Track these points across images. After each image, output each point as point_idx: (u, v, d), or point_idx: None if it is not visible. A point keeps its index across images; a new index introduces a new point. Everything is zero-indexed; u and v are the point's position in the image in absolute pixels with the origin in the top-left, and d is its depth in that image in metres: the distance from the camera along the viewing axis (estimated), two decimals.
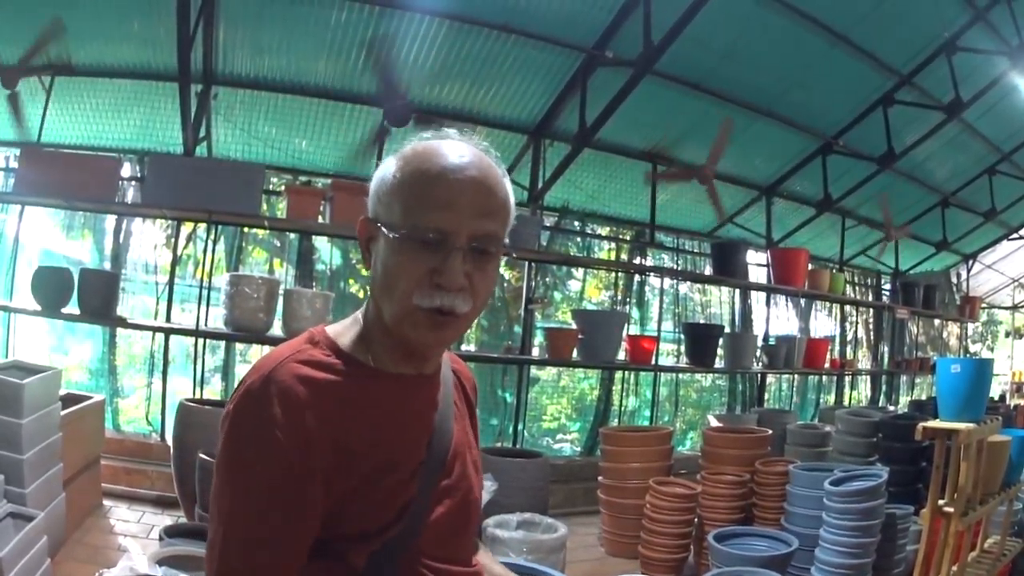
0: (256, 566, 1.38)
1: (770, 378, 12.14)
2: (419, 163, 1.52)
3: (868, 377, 14.91)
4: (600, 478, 7.12)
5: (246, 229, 8.57)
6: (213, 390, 8.35)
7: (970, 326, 17.98)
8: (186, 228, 8.30)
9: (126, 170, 8.15)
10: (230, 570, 1.38)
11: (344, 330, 1.64)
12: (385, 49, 7.45)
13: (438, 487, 1.60)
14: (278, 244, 9.40)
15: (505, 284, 10.29)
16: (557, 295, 11.08)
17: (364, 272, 9.07)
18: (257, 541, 1.40)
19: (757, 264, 11.62)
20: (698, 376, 11.85)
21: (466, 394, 1.86)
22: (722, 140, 8.80)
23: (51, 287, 6.77)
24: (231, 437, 1.44)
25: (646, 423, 10.18)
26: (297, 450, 1.40)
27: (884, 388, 15.11)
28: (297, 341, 1.58)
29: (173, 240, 8.22)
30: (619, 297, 10.80)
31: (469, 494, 1.70)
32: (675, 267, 11.25)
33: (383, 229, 1.51)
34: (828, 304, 13.71)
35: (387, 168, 1.57)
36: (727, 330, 10.81)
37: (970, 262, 16.20)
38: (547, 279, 10.47)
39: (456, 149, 1.54)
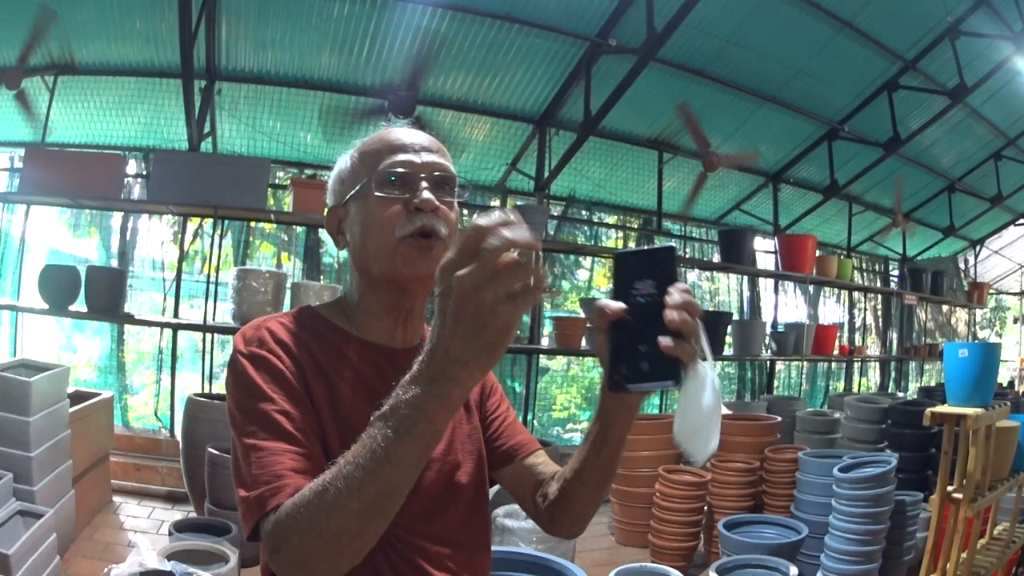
0: (283, 464, 1.39)
1: (779, 365, 12.15)
2: (371, 139, 1.69)
3: (877, 364, 14.89)
4: None
5: (253, 223, 8.60)
6: (222, 385, 8.36)
7: (978, 312, 17.94)
8: (192, 224, 8.31)
9: (131, 167, 8.19)
10: (259, 475, 1.38)
11: (328, 306, 1.74)
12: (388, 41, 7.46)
13: None
14: (285, 238, 9.41)
15: None
16: (565, 284, 11.08)
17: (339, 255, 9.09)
18: (279, 434, 1.43)
19: (765, 251, 11.60)
20: None
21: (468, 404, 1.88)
22: (742, 160, 8.82)
23: (58, 285, 6.79)
24: (236, 371, 1.53)
25: (656, 411, 10.18)
26: (293, 368, 1.52)
27: (893, 374, 15.09)
28: (282, 313, 1.69)
29: (180, 236, 8.25)
30: None
31: (456, 469, 1.72)
32: (683, 255, 11.23)
33: (351, 195, 1.65)
34: (836, 290, 13.70)
35: (342, 160, 1.72)
36: (735, 317, 10.80)
37: (977, 248, 16.18)
38: (555, 268, 10.48)
39: (400, 129, 1.69)
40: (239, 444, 1.45)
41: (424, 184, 1.59)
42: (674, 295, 1.33)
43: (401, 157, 1.61)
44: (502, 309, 1.10)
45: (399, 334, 1.71)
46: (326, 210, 1.74)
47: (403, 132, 1.66)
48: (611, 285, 1.38)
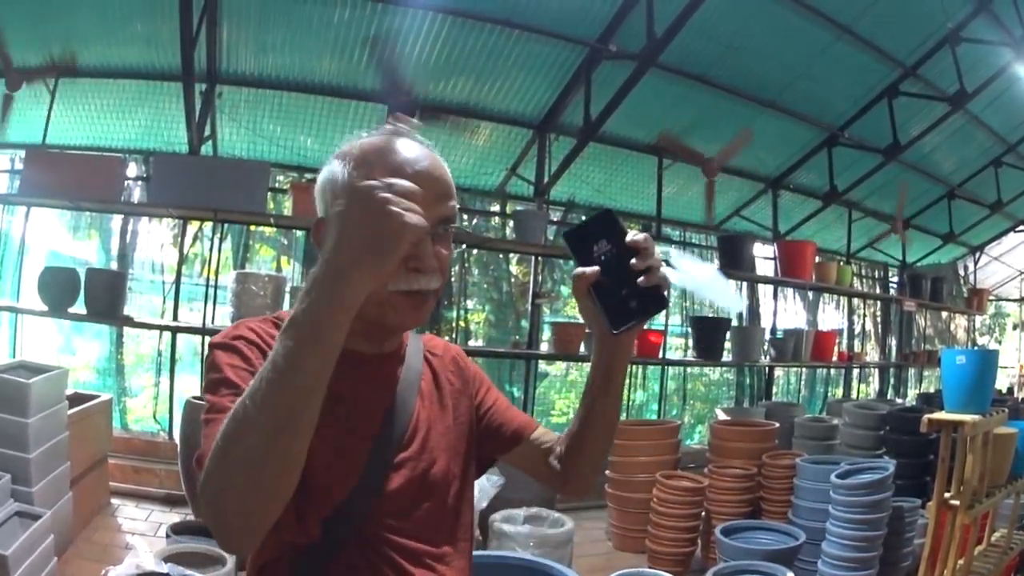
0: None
1: (778, 371, 12.16)
2: (372, 153, 1.56)
3: (876, 370, 14.88)
4: (607, 472, 7.12)
5: (252, 227, 8.61)
6: None
7: (978, 319, 17.93)
8: (192, 227, 8.31)
9: (131, 170, 8.18)
10: (212, 426, 1.36)
11: None
12: (388, 46, 7.46)
13: (393, 460, 1.63)
14: (284, 242, 9.42)
15: (512, 279, 10.30)
16: (564, 289, 11.07)
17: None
18: (233, 393, 1.41)
19: (764, 257, 11.59)
20: (706, 369, 11.87)
21: (447, 370, 1.90)
22: (737, 146, 8.81)
23: (58, 287, 6.79)
24: (208, 361, 1.54)
25: (654, 417, 10.20)
26: (261, 358, 1.50)
27: (892, 381, 15.09)
28: (260, 316, 1.69)
29: (179, 239, 8.25)
30: None
31: (431, 467, 1.70)
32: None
33: None
34: (835, 297, 13.69)
35: (336, 167, 1.61)
36: (734, 323, 10.80)
37: (977, 254, 16.16)
38: (554, 273, 10.48)
39: (402, 145, 1.58)
40: (205, 412, 1.45)
41: (428, 238, 1.51)
42: (633, 239, 1.53)
43: (399, 182, 1.44)
44: (394, 212, 1.17)
45: (375, 344, 1.70)
46: (317, 218, 1.63)
47: (411, 168, 1.52)
48: (575, 260, 1.55)
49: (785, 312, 12.52)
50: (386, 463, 1.59)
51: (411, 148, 1.58)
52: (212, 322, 7.36)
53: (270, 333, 1.57)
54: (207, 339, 7.50)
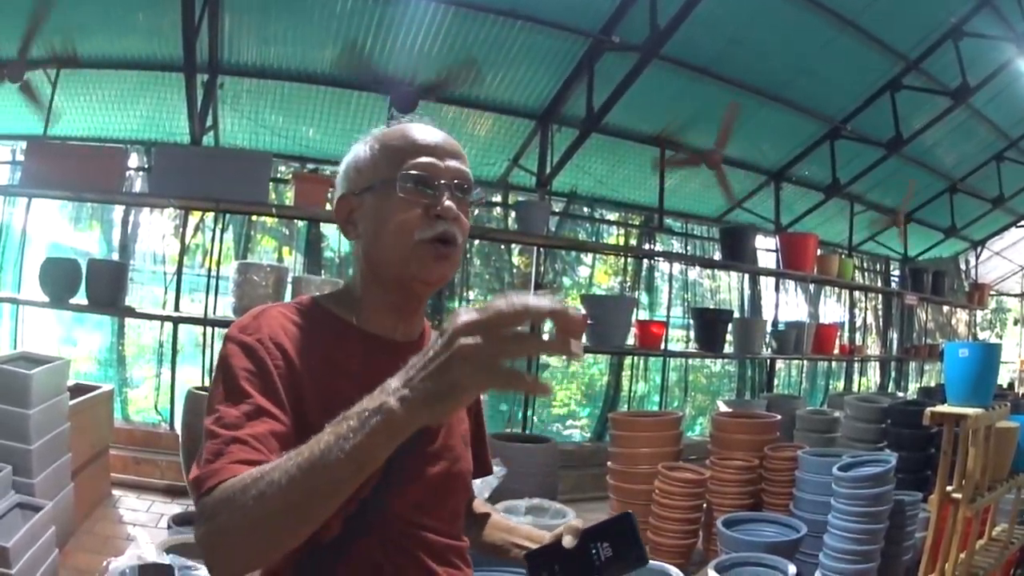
0: (232, 454, 1.40)
1: (779, 364, 12.16)
2: (394, 132, 1.69)
3: (877, 363, 14.90)
4: (609, 464, 7.11)
5: (254, 217, 8.60)
6: None
7: (979, 313, 17.94)
8: (194, 217, 8.31)
9: (133, 161, 8.20)
10: (209, 458, 1.39)
11: (330, 297, 1.77)
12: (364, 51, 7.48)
13: (416, 451, 1.65)
14: (286, 232, 9.41)
15: (514, 270, 10.30)
16: (566, 280, 11.09)
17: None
18: (238, 427, 1.43)
19: (766, 249, 11.60)
20: (707, 361, 11.87)
21: None
22: (728, 124, 8.78)
23: (59, 278, 6.79)
24: (223, 355, 1.55)
25: (655, 408, 10.19)
26: (282, 364, 1.53)
27: (893, 374, 15.09)
28: (284, 303, 1.73)
29: (181, 230, 8.25)
30: (628, 282, 10.82)
31: (455, 464, 1.77)
32: (684, 252, 11.25)
33: (370, 189, 1.65)
34: (837, 290, 13.70)
35: (359, 148, 1.72)
36: (736, 315, 10.81)
37: (979, 249, 16.18)
38: (556, 264, 10.49)
39: (417, 126, 1.70)
40: (205, 423, 1.47)
41: (447, 191, 1.61)
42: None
43: (426, 160, 1.62)
44: (464, 382, 1.12)
45: (401, 327, 1.73)
46: (336, 196, 1.75)
47: (427, 131, 1.68)
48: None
49: (786, 305, 12.54)
50: (408, 453, 1.58)
51: (425, 128, 1.69)
52: (213, 313, 7.37)
53: (294, 322, 1.62)
54: (208, 329, 7.53)
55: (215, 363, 1.60)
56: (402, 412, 1.14)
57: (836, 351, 11.91)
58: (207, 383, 7.28)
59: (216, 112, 7.79)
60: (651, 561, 4.95)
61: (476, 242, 9.60)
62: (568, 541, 1.58)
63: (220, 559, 1.28)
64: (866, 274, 14.44)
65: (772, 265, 11.16)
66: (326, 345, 1.62)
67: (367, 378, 1.31)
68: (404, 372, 1.17)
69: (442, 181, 1.61)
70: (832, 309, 14.11)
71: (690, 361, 11.27)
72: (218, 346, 7.46)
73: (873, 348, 14.64)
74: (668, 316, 10.29)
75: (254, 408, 1.45)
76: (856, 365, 14.13)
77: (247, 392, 1.46)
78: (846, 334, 13.79)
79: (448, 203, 1.60)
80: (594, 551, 1.56)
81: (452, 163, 1.64)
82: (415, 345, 1.73)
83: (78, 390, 5.97)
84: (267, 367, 1.51)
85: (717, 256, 10.70)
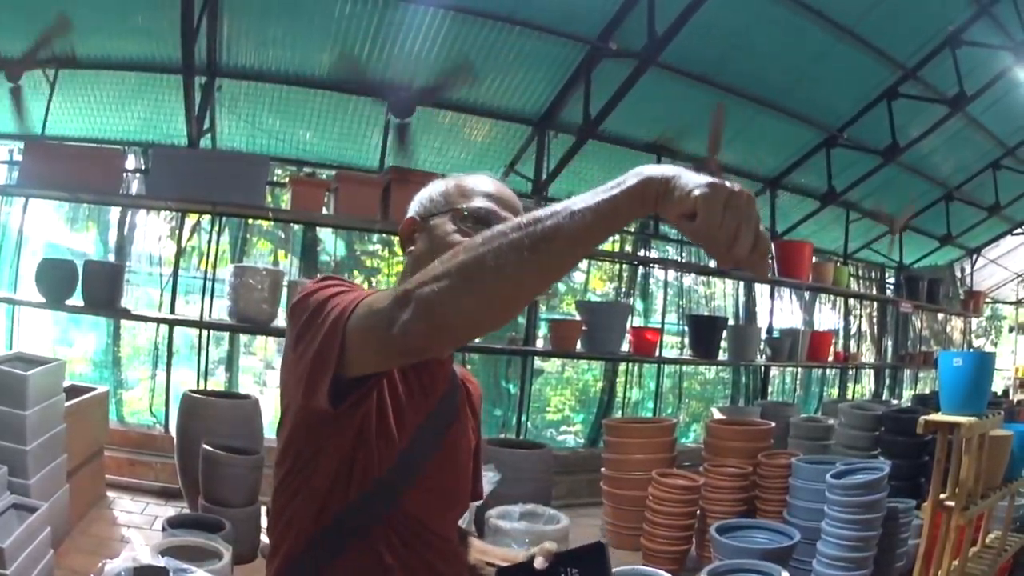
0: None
1: (774, 371, 12.18)
2: (471, 177, 1.92)
3: (872, 371, 14.92)
4: (603, 469, 7.13)
5: (250, 220, 8.59)
6: (217, 381, 8.39)
7: (974, 321, 17.97)
8: (190, 220, 8.31)
9: (130, 162, 8.18)
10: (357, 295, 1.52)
11: None
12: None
13: (432, 458, 1.77)
14: (282, 235, 9.41)
15: None
16: (561, 286, 11.07)
17: (369, 262, 9.09)
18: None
19: None
20: (702, 368, 11.89)
21: (471, 401, 2.07)
22: (717, 127, 8.79)
23: (55, 279, 6.79)
24: (311, 289, 1.63)
25: (650, 415, 10.21)
26: None
27: (888, 382, 15.13)
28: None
29: (177, 232, 8.23)
30: (623, 289, 10.81)
31: (462, 476, 1.93)
32: (679, 259, 11.25)
33: (437, 215, 1.84)
34: (832, 297, 13.71)
35: (438, 181, 1.94)
36: (731, 322, 10.81)
37: (974, 256, 16.18)
38: None
39: (495, 179, 1.95)
40: (318, 317, 1.53)
41: None
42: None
43: (488, 204, 1.82)
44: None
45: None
46: (406, 217, 1.92)
47: (497, 185, 1.90)
48: None
49: (781, 312, 12.57)
50: (424, 447, 1.73)
51: (498, 182, 1.93)
52: (209, 315, 7.37)
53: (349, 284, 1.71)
54: (204, 332, 7.54)
55: (291, 308, 1.65)
56: (639, 185, 1.25)
57: (831, 358, 11.94)
58: (202, 386, 7.30)
59: (214, 114, 7.78)
60: (645, 567, 4.97)
61: None
62: (539, 563, 1.67)
63: (442, 323, 1.34)
64: (861, 282, 14.43)
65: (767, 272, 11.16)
66: None
67: (404, 387, 1.54)
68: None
69: (497, 224, 1.69)
70: (827, 316, 14.11)
71: (684, 368, 11.28)
72: (214, 349, 7.51)
73: (868, 356, 14.63)
74: (663, 322, 10.31)
75: (349, 293, 1.56)
76: (851, 372, 14.13)
77: (340, 291, 1.57)
78: (841, 341, 13.80)
79: None
80: (563, 575, 1.63)
81: (508, 214, 1.81)
82: (446, 362, 1.91)
83: (74, 391, 5.97)
84: (347, 284, 1.64)
85: (712, 263, 10.69)
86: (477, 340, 9.20)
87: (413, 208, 1.93)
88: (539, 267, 1.26)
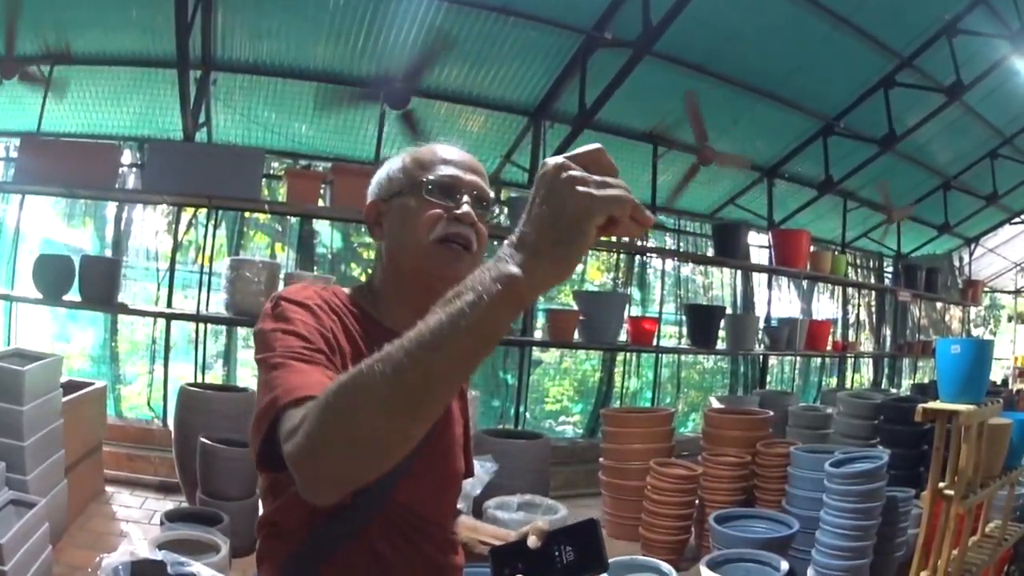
0: (314, 376, 1.44)
1: (772, 360, 12.17)
2: (424, 148, 1.86)
3: (870, 360, 14.93)
4: (601, 460, 7.12)
5: (247, 214, 8.59)
6: (215, 375, 8.38)
7: (972, 310, 17.98)
8: (187, 214, 8.29)
9: (126, 157, 8.17)
10: (285, 382, 1.42)
11: (355, 289, 1.89)
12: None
13: (420, 449, 1.66)
14: (279, 228, 9.41)
15: None
16: None
17: (366, 254, 9.11)
18: (311, 362, 1.50)
19: (759, 246, 11.60)
20: (700, 358, 11.88)
21: (461, 390, 2.03)
22: (694, 114, 8.79)
23: (52, 275, 6.78)
24: (277, 310, 1.62)
25: (648, 405, 10.21)
26: (331, 326, 1.64)
27: (886, 371, 15.14)
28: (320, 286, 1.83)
29: (174, 226, 8.23)
30: (621, 279, 10.81)
31: (452, 462, 1.91)
32: (677, 248, 11.25)
33: (399, 194, 1.81)
34: (830, 286, 13.71)
35: (393, 160, 1.90)
36: (729, 312, 10.81)
37: (972, 246, 16.18)
38: None
39: (448, 144, 1.89)
40: (265, 370, 1.49)
41: (466, 198, 1.76)
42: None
43: (451, 171, 1.79)
44: (580, 190, 1.05)
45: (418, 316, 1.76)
46: (368, 202, 1.90)
47: (453, 150, 1.85)
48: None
49: (779, 301, 12.56)
50: (418, 451, 1.63)
51: (452, 147, 1.88)
52: (206, 309, 7.37)
53: (334, 303, 1.73)
54: (201, 326, 7.54)
55: (258, 324, 1.63)
56: (525, 276, 1.06)
57: (829, 347, 11.94)
58: (200, 380, 7.29)
59: (209, 108, 7.78)
60: (644, 557, 4.96)
61: None
62: (532, 542, 1.65)
63: (318, 469, 1.23)
64: (859, 271, 14.44)
65: (765, 261, 11.17)
66: (355, 331, 1.71)
67: None
68: (510, 240, 1.10)
69: (463, 191, 1.77)
70: (825, 305, 14.13)
71: (682, 357, 11.29)
72: (211, 343, 7.50)
73: (866, 345, 14.64)
74: (660, 312, 10.32)
75: (319, 351, 1.54)
76: (849, 361, 14.16)
77: (304, 335, 1.55)
78: (839, 330, 13.82)
79: (467, 208, 1.74)
80: (557, 553, 1.63)
81: (473, 177, 1.81)
82: None
83: (71, 387, 5.96)
84: (324, 322, 1.62)
85: (710, 252, 10.68)
86: None
87: (372, 191, 1.90)
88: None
